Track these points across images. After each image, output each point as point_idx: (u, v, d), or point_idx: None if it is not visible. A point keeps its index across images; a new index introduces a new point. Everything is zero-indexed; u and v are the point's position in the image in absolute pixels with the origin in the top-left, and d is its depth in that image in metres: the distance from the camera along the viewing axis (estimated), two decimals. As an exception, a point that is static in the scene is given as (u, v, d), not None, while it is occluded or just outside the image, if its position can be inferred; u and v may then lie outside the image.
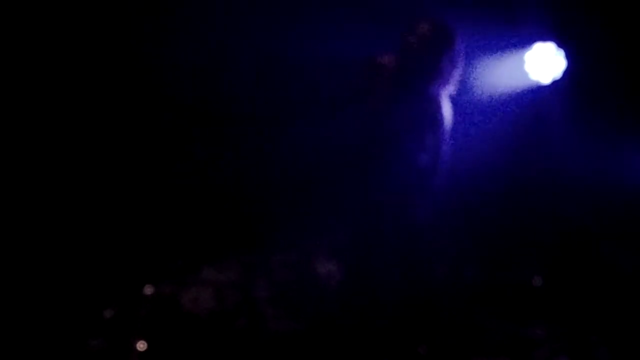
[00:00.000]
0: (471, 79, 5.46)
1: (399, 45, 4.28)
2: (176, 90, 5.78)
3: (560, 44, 5.46)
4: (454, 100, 4.47)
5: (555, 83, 5.48)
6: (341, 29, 5.27)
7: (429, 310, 4.60)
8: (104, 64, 5.59)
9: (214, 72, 5.81)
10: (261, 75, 5.85)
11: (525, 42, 5.53)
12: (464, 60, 4.35)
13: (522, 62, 5.52)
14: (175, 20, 5.63)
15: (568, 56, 5.45)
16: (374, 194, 4.39)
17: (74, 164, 5.56)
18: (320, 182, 5.91)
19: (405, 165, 4.32)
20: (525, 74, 5.49)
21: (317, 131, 5.48)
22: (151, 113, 5.81)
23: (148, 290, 5.15)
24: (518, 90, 5.59)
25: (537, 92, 5.57)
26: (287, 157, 5.99)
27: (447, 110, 4.32)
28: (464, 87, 5.26)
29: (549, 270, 5.34)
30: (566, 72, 5.45)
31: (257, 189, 6.00)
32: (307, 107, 5.62)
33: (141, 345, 4.60)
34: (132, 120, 5.76)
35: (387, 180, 4.33)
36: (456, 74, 4.32)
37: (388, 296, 4.63)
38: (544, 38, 5.49)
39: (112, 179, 5.68)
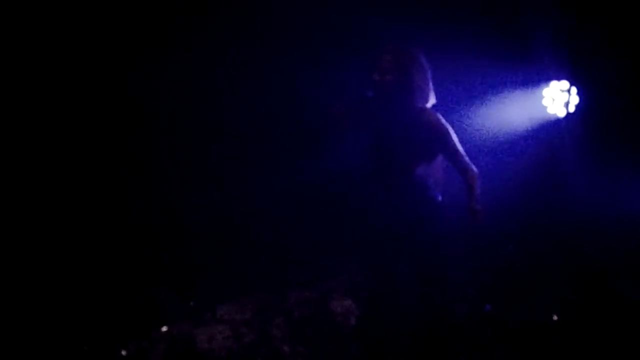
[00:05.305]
0: (486, 116, 5.55)
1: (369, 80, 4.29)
2: (181, 139, 5.87)
3: (574, 82, 5.54)
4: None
5: (568, 118, 5.56)
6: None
7: (447, 347, 4.57)
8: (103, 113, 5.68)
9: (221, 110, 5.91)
10: (261, 118, 5.94)
11: (540, 79, 5.62)
12: (432, 71, 4.30)
13: (538, 97, 5.62)
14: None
15: (581, 93, 5.54)
16: (387, 227, 4.35)
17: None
18: (335, 219, 5.94)
19: (418, 196, 4.28)
20: (541, 109, 5.58)
21: (326, 168, 5.54)
22: (160, 157, 5.88)
23: (164, 329, 5.16)
24: (533, 125, 5.66)
25: (552, 127, 5.65)
26: (300, 196, 6.02)
27: (442, 120, 4.25)
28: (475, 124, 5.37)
29: (566, 307, 5.33)
30: (579, 108, 5.54)
31: (272, 226, 6.03)
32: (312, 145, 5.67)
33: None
34: (143, 162, 5.83)
35: (399, 211, 4.29)
36: (431, 86, 4.29)
37: (406, 333, 4.62)
38: (559, 76, 5.58)
39: (131, 222, 5.74)
